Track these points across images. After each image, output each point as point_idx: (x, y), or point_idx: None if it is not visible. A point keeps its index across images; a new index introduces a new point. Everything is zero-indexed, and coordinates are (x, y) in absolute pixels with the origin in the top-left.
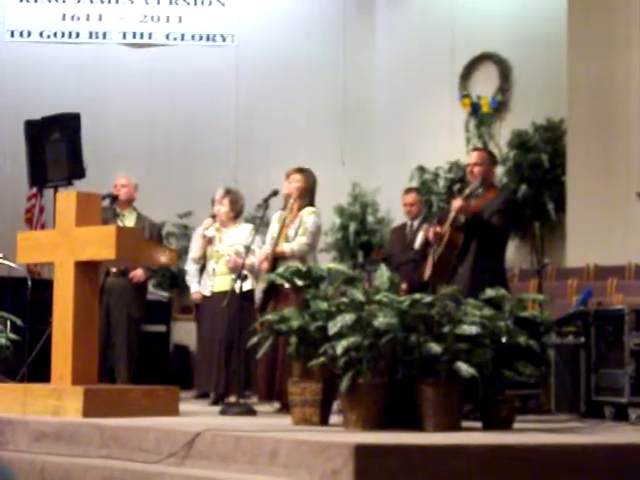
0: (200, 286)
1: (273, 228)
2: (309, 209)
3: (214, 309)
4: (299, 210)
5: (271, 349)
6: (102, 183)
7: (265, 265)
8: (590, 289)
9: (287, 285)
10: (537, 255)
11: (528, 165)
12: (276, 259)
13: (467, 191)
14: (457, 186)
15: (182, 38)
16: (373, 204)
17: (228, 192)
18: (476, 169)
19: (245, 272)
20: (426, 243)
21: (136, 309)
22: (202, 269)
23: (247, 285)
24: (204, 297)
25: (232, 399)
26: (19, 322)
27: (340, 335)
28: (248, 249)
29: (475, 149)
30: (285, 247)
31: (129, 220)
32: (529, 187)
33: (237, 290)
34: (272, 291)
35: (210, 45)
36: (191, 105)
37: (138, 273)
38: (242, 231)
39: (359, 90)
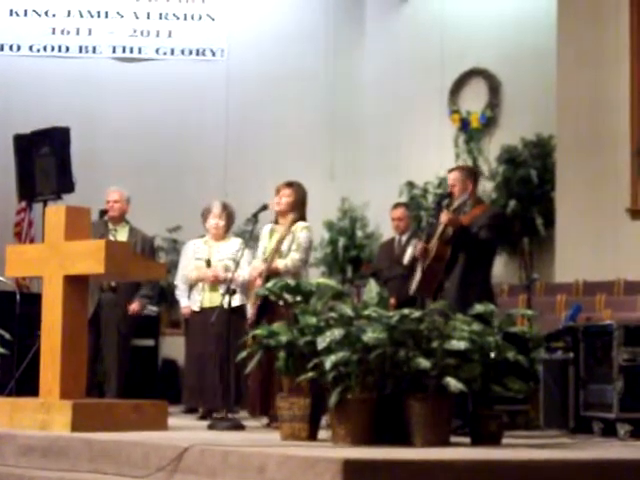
0: (189, 300)
1: (264, 243)
2: (301, 224)
3: (204, 324)
4: (291, 225)
5: (265, 364)
6: (91, 197)
7: (259, 282)
8: (579, 304)
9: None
10: (526, 270)
11: (517, 180)
12: (269, 276)
13: (455, 204)
14: (446, 201)
15: (172, 52)
16: (362, 219)
17: (225, 207)
18: (454, 190)
19: (234, 287)
20: (415, 259)
21: (125, 325)
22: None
23: (237, 300)
24: (193, 312)
25: (220, 414)
26: (7, 336)
27: (329, 350)
28: (237, 264)
29: (449, 170)
30: (279, 263)
31: (121, 234)
32: (518, 202)
33: (225, 305)
34: (266, 307)
35: (200, 59)
36: (181, 119)
37: (134, 306)
38: (233, 245)
39: (348, 105)
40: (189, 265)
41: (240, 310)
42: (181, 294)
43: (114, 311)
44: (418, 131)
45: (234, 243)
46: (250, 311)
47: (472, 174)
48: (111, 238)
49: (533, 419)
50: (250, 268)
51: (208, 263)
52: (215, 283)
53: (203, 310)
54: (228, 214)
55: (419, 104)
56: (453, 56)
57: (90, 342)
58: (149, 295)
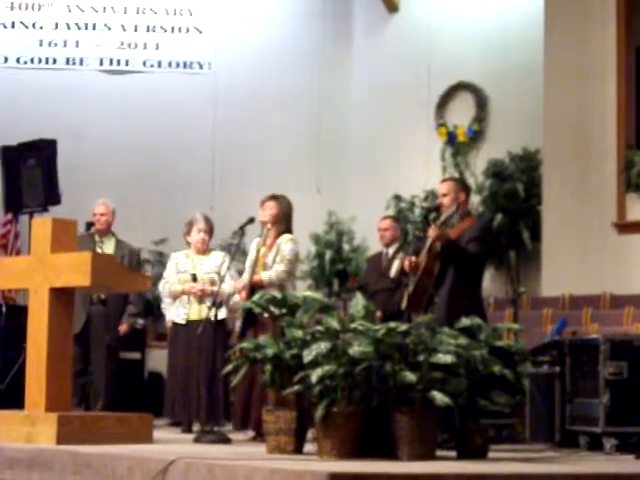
0: (173, 313)
1: (252, 256)
2: (286, 236)
3: (189, 337)
4: (276, 237)
5: (251, 377)
6: (78, 209)
7: (243, 295)
8: (565, 318)
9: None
10: (512, 284)
11: (504, 194)
12: (254, 288)
13: (442, 218)
14: (433, 215)
15: (159, 65)
16: (349, 232)
17: (207, 220)
18: (444, 200)
19: (220, 300)
20: (402, 272)
21: (114, 338)
22: None
23: (222, 314)
24: (178, 325)
25: (207, 427)
26: None
27: (315, 363)
28: (220, 275)
29: (442, 180)
30: (263, 276)
31: (108, 247)
32: (505, 216)
33: (212, 318)
34: (251, 319)
35: (187, 72)
36: (168, 132)
37: (123, 328)
38: (215, 258)
39: (336, 118)
40: (172, 278)
41: (223, 323)
42: (167, 307)
43: (103, 324)
44: (405, 145)
45: (217, 256)
46: (236, 324)
47: (465, 186)
48: (98, 251)
49: (519, 433)
50: (234, 282)
51: (194, 277)
52: (202, 296)
53: (189, 323)
54: (211, 228)
55: (406, 118)
56: (440, 70)
57: (79, 355)
58: (137, 313)
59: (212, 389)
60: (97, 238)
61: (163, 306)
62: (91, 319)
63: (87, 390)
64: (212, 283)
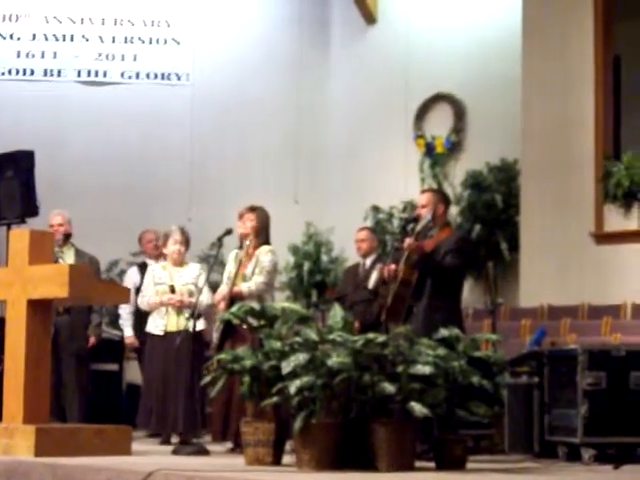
0: (151, 325)
1: (230, 268)
2: (265, 248)
3: (167, 349)
4: (255, 249)
5: (226, 388)
6: None
7: (222, 305)
8: (544, 329)
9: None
10: (491, 295)
11: (482, 205)
12: (233, 299)
13: (418, 228)
14: (411, 226)
15: (137, 76)
16: (327, 243)
17: (183, 232)
18: (423, 211)
19: (199, 311)
20: (382, 282)
21: (83, 348)
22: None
23: (199, 325)
24: (155, 336)
25: (185, 438)
26: None
27: (293, 375)
28: (200, 289)
29: (422, 191)
30: (242, 287)
31: (68, 257)
32: (483, 227)
33: (190, 329)
34: (229, 331)
35: (165, 84)
36: (146, 143)
37: (92, 341)
38: (192, 270)
39: (314, 129)
40: (148, 292)
41: (201, 335)
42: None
43: (70, 335)
44: (383, 156)
45: (193, 268)
46: (214, 335)
47: (444, 198)
48: (60, 262)
49: (498, 443)
50: (211, 293)
51: (172, 289)
52: (181, 308)
53: (167, 334)
54: (186, 240)
55: (384, 129)
56: (418, 81)
57: (52, 366)
58: (100, 323)
59: (189, 400)
60: (56, 249)
61: (121, 321)
62: (58, 330)
63: (62, 402)
64: (190, 294)
